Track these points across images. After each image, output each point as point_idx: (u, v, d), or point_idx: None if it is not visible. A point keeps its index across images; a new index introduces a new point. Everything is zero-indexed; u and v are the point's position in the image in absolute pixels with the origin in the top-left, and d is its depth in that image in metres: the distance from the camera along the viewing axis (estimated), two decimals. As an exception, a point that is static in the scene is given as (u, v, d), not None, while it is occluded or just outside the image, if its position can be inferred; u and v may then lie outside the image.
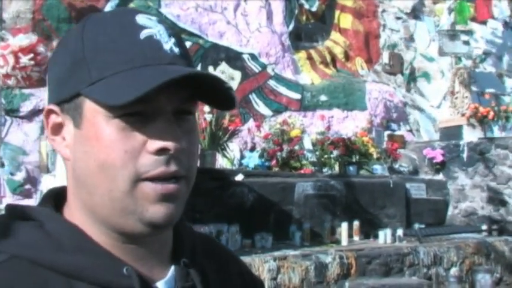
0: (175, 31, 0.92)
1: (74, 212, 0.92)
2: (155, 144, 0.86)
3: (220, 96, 0.92)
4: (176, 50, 0.89)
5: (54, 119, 0.92)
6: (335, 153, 7.92)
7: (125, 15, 0.90)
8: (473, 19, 11.16)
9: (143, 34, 0.87)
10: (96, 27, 0.89)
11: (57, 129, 0.93)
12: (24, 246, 0.86)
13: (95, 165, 0.86)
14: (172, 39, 0.90)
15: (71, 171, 0.92)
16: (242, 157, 7.80)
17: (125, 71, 0.85)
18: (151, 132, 0.86)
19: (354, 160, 8.10)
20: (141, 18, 0.89)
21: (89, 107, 0.87)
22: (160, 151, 0.86)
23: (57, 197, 0.97)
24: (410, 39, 11.19)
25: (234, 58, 8.71)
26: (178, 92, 0.88)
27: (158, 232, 0.91)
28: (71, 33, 0.92)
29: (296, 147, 7.79)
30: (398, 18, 11.17)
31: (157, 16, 0.92)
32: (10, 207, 0.94)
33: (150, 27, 0.88)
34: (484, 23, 11.55)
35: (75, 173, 0.90)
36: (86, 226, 0.90)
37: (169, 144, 0.86)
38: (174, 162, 0.87)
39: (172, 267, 0.95)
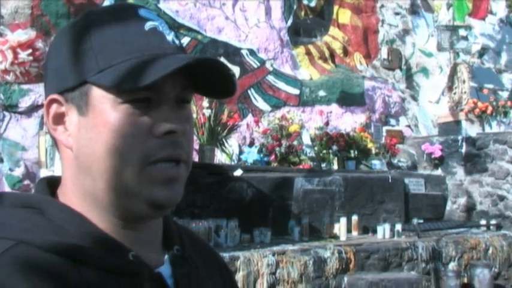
0: (171, 25, 0.98)
1: (72, 199, 0.93)
2: (162, 127, 0.90)
3: (220, 84, 0.95)
4: (177, 41, 0.95)
5: (56, 108, 0.94)
6: (334, 148, 7.93)
7: (127, 9, 0.95)
8: (471, 15, 11.16)
9: (147, 26, 0.92)
10: (101, 18, 0.92)
11: (59, 118, 0.94)
12: (29, 232, 0.86)
13: (102, 150, 0.89)
14: (172, 32, 0.95)
15: (73, 160, 0.93)
16: (241, 152, 7.81)
17: (134, 59, 0.88)
18: (157, 116, 0.90)
19: (352, 155, 8.11)
20: (143, 12, 0.93)
21: (96, 94, 0.90)
22: (167, 134, 0.90)
23: (49, 186, 0.98)
24: (408, 34, 11.19)
25: (232, 53, 8.70)
26: (180, 80, 0.92)
27: (161, 213, 0.96)
28: (73, 24, 0.95)
29: (295, 143, 7.80)
30: (396, 13, 11.17)
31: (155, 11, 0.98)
32: (7, 196, 0.95)
33: (153, 19, 0.93)
34: (482, 18, 11.55)
35: (77, 160, 0.92)
36: (86, 213, 0.92)
37: (175, 126, 0.90)
38: (179, 146, 0.91)
39: (167, 255, 0.99)
